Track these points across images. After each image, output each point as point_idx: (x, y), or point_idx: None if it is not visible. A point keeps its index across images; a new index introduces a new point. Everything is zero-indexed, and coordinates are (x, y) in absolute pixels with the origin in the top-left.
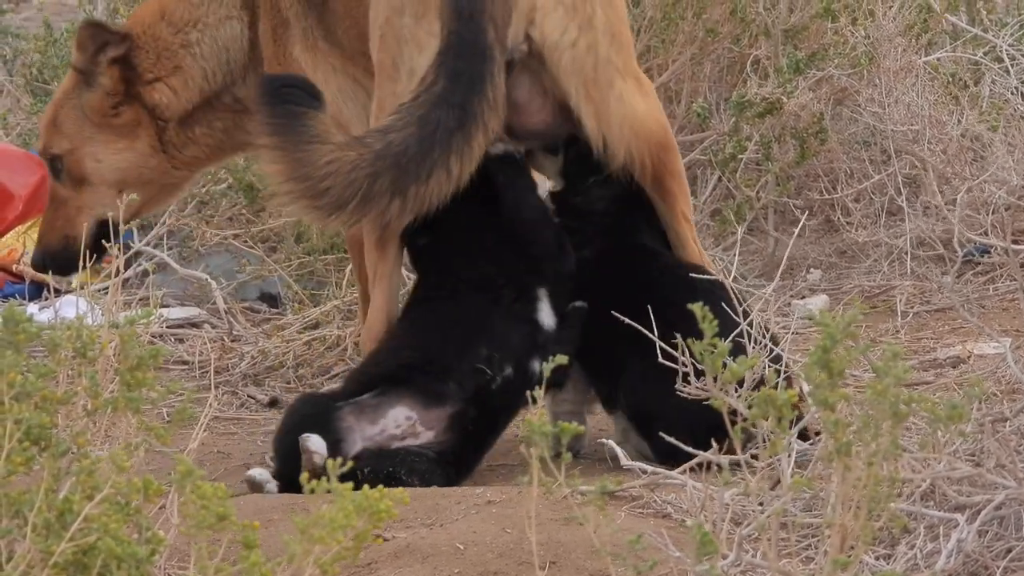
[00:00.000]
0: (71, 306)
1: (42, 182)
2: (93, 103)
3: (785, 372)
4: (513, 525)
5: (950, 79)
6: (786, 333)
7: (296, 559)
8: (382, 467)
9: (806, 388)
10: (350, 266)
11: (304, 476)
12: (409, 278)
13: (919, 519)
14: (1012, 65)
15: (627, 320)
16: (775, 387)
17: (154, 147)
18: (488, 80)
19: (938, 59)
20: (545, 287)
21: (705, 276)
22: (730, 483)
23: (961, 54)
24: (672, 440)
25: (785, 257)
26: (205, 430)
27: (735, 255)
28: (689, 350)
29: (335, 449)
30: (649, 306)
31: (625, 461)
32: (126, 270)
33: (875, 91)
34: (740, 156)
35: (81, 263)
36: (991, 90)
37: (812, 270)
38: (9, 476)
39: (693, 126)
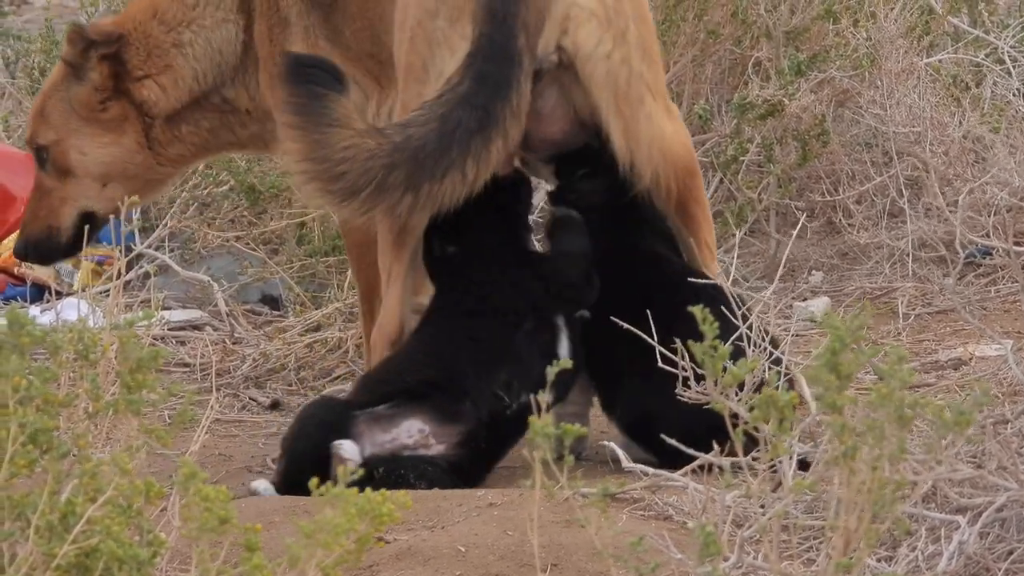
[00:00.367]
0: (72, 308)
1: None
2: (81, 97)
3: (786, 374)
4: (515, 527)
5: (952, 81)
6: (787, 335)
7: (298, 562)
8: (393, 469)
9: (807, 391)
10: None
11: (314, 481)
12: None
13: (920, 521)
14: (1014, 67)
15: (626, 325)
16: (776, 388)
17: (140, 143)
18: (514, 86)
19: (940, 61)
20: (564, 316)
21: (704, 280)
22: (731, 485)
23: (963, 56)
24: (671, 442)
25: (786, 259)
26: (206, 432)
27: (735, 257)
28: (690, 353)
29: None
30: (648, 311)
31: (627, 463)
32: (127, 272)
33: (877, 93)
34: (742, 158)
35: (63, 253)
36: (993, 92)
37: (813, 272)
38: (12, 479)
39: (695, 128)
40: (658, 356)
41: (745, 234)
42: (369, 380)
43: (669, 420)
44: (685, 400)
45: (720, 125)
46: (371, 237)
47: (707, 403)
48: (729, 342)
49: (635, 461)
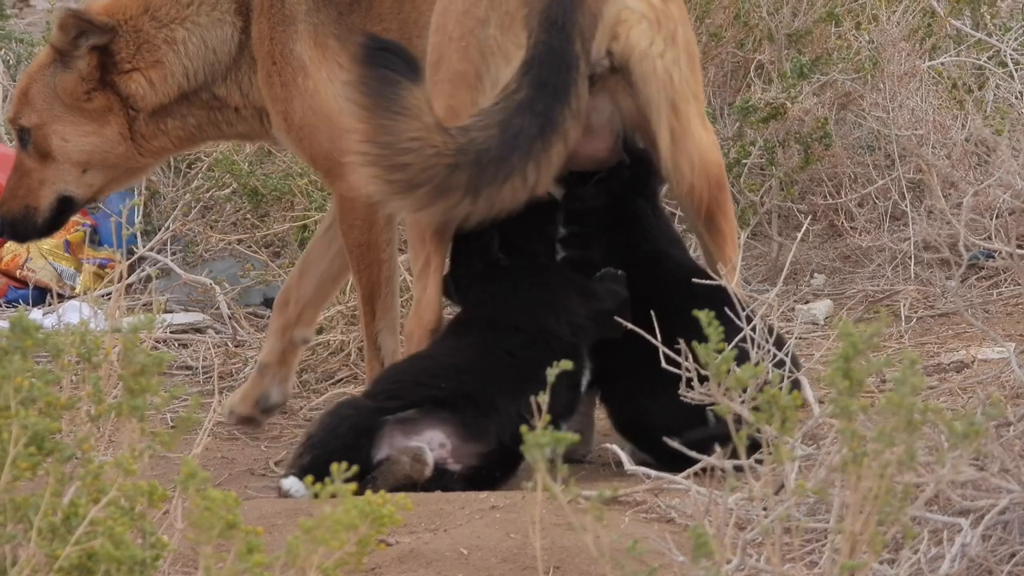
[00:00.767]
0: (75, 311)
1: None
2: (67, 85)
3: (790, 375)
4: (517, 530)
5: (954, 84)
6: (790, 338)
7: (299, 560)
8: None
9: (810, 393)
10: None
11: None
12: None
13: (923, 523)
14: (1016, 69)
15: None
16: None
17: (123, 134)
18: (572, 91)
19: (942, 64)
20: (588, 346)
21: (708, 281)
22: (734, 488)
23: (965, 59)
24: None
25: (788, 262)
26: (209, 435)
27: (738, 260)
28: (694, 355)
29: (367, 456)
30: (653, 313)
31: (629, 466)
32: (130, 275)
33: (879, 96)
34: (744, 161)
35: (39, 233)
36: (995, 94)
37: (816, 275)
38: (15, 481)
39: None
40: (661, 357)
41: (747, 237)
42: (403, 378)
43: (656, 417)
44: (674, 399)
45: (723, 128)
46: (371, 238)
47: (710, 404)
48: (733, 344)
49: (638, 464)
